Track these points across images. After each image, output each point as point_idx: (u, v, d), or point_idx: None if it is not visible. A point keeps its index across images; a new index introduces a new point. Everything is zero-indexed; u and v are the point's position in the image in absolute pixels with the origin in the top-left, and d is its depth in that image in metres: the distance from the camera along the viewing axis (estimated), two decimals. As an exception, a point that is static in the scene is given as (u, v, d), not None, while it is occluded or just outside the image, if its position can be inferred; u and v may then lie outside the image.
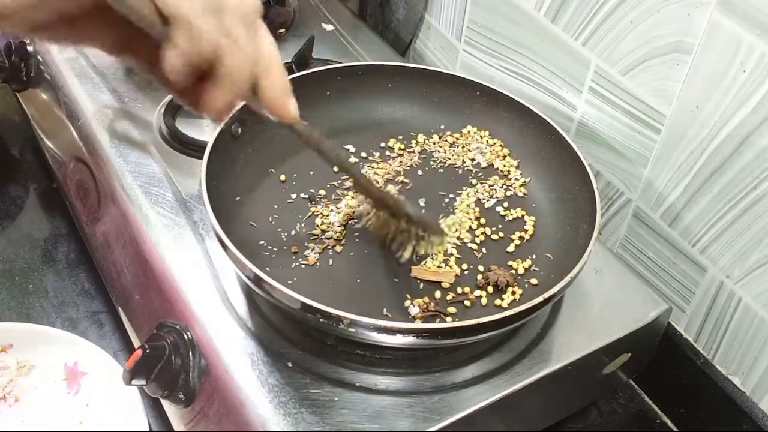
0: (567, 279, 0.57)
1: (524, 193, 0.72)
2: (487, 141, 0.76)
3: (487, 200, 0.71)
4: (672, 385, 0.76)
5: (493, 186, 0.73)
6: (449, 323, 0.58)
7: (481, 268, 0.64)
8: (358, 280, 0.63)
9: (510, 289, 0.63)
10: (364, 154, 0.75)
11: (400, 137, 0.77)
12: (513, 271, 0.64)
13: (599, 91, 0.76)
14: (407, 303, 0.61)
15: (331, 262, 0.64)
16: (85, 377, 0.74)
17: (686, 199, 0.70)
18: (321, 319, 0.54)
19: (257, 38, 0.48)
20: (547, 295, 0.56)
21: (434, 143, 0.77)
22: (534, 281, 0.64)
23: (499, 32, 0.87)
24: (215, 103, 0.48)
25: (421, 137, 0.77)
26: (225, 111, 0.49)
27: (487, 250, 0.66)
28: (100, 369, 0.73)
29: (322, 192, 0.70)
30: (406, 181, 0.72)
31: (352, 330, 0.54)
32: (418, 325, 0.57)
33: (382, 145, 0.76)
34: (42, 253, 0.89)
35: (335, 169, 0.69)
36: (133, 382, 0.60)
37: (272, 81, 0.50)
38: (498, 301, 0.62)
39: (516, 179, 0.73)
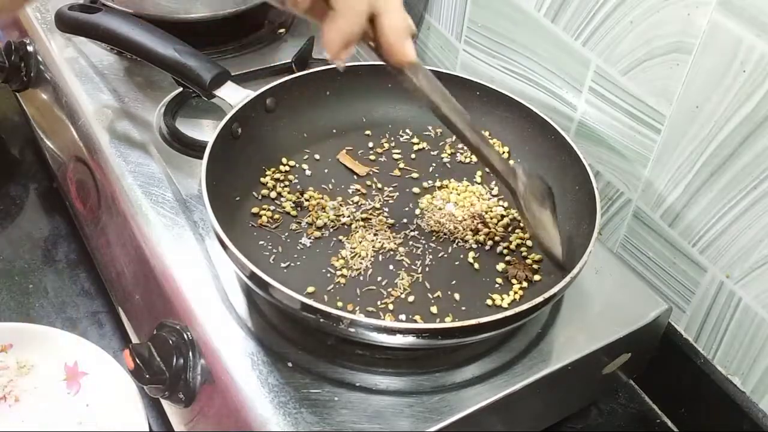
0: (567, 279, 0.57)
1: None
2: (487, 141, 0.76)
3: (487, 200, 0.71)
4: (672, 385, 0.76)
5: (492, 186, 0.73)
6: (449, 323, 0.58)
7: (477, 266, 0.65)
8: (360, 278, 0.63)
9: (514, 287, 0.63)
10: (361, 152, 0.75)
11: (400, 136, 0.77)
12: (533, 265, 0.65)
13: (599, 91, 0.76)
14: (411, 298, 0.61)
15: (331, 261, 0.64)
16: (85, 377, 0.74)
17: (686, 199, 0.70)
18: (321, 320, 0.54)
19: None
20: (547, 295, 0.56)
21: (434, 143, 0.77)
22: (534, 279, 0.64)
23: (499, 32, 0.87)
24: (333, 33, 0.49)
25: (421, 137, 0.77)
26: (343, 45, 0.50)
27: (487, 249, 0.66)
28: (100, 369, 0.73)
29: (313, 193, 0.70)
30: (405, 178, 0.72)
31: (351, 330, 0.54)
32: (418, 325, 0.58)
33: (383, 143, 0.76)
34: (42, 253, 0.89)
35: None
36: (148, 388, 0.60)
37: (392, 18, 0.51)
38: (498, 301, 0.62)
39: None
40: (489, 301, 0.62)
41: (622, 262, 0.72)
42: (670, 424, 0.76)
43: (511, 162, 0.61)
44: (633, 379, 0.78)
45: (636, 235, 0.77)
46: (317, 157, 0.74)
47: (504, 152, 0.75)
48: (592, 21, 0.74)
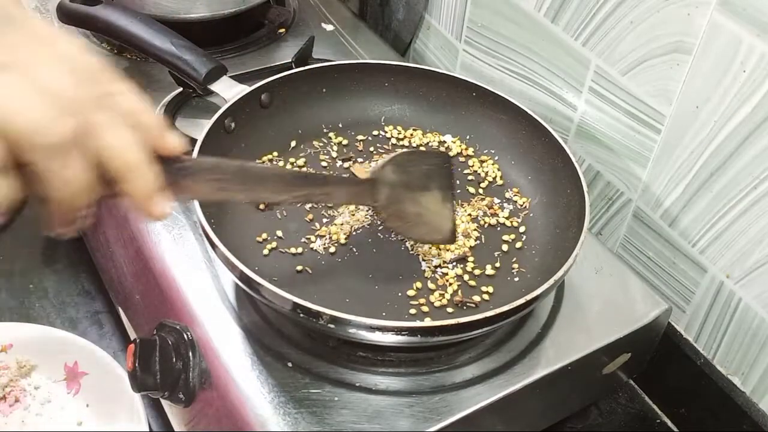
0: (551, 282, 0.56)
1: (517, 193, 0.72)
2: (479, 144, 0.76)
3: (479, 201, 0.71)
4: (672, 385, 0.76)
5: (485, 188, 0.72)
6: (428, 323, 0.57)
7: (470, 267, 0.65)
8: (353, 281, 0.63)
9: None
10: (361, 149, 0.75)
11: (395, 135, 0.77)
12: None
13: (599, 91, 0.76)
14: (406, 303, 0.61)
15: (323, 263, 0.64)
16: (85, 377, 0.74)
17: (686, 199, 0.70)
18: (301, 314, 0.54)
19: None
20: (529, 297, 0.55)
21: (428, 142, 0.77)
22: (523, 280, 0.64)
23: (499, 32, 0.87)
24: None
25: (416, 135, 0.77)
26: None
27: (478, 251, 0.66)
28: (100, 369, 0.73)
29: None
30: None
31: (331, 326, 0.53)
32: (394, 323, 0.55)
33: (377, 134, 0.76)
34: (42, 253, 0.89)
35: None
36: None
37: (136, 184, 0.43)
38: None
39: (509, 181, 0.73)
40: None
41: (622, 262, 0.72)
42: (670, 424, 0.76)
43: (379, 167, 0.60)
44: (633, 379, 0.78)
45: (636, 235, 0.77)
46: (312, 153, 0.74)
47: (497, 155, 0.75)
48: (592, 21, 0.74)
